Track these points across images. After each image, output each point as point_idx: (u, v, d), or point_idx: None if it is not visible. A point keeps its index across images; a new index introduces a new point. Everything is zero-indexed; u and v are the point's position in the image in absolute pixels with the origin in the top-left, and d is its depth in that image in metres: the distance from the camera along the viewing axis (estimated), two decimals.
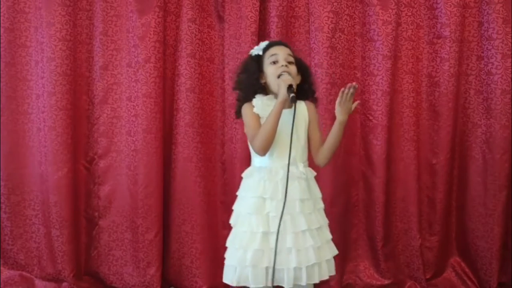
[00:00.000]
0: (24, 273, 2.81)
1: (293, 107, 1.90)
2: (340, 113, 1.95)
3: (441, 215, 2.81)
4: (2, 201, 2.79)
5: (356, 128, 2.79)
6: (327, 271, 1.96)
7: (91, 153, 2.81)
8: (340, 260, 2.76)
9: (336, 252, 2.04)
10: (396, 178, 2.77)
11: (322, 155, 2.03)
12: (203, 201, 2.74)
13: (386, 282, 2.80)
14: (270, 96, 2.00)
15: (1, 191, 2.79)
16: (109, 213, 2.80)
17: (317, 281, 1.93)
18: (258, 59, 2.04)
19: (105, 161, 2.80)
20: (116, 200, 2.79)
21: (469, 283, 2.83)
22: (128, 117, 2.74)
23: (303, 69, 2.07)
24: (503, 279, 2.78)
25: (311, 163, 2.10)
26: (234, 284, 1.95)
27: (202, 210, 2.74)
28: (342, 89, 1.93)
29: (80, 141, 2.78)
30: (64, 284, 2.74)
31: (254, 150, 1.96)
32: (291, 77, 1.92)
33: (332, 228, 2.70)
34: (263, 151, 1.93)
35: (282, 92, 1.88)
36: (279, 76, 1.95)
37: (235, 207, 2.03)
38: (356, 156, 2.80)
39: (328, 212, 2.68)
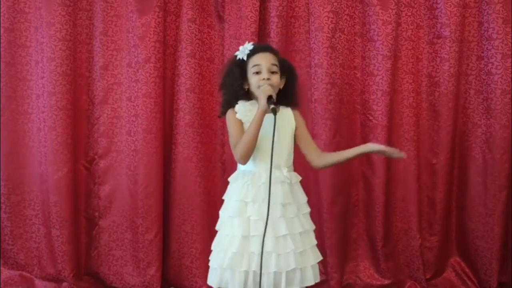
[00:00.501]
0: (24, 273, 2.82)
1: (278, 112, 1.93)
2: (369, 150, 2.00)
3: (441, 215, 2.81)
4: (2, 201, 2.79)
5: (356, 128, 2.79)
6: (312, 276, 1.94)
7: (91, 153, 2.81)
8: (340, 260, 2.77)
9: (320, 258, 2.02)
10: (396, 178, 2.77)
11: (324, 162, 2.03)
12: (203, 201, 2.75)
13: (386, 282, 2.80)
14: (253, 102, 1.98)
15: (1, 191, 2.79)
16: (109, 213, 2.80)
17: (298, 286, 1.91)
18: (243, 63, 2.01)
19: (105, 161, 2.80)
20: (116, 200, 2.79)
21: (469, 283, 2.83)
22: (128, 117, 2.74)
23: (287, 72, 2.05)
24: (503, 279, 2.78)
25: (300, 165, 2.09)
26: (214, 287, 1.96)
27: (202, 210, 2.74)
28: (395, 150, 1.97)
29: (80, 141, 2.78)
30: (64, 284, 2.75)
31: (236, 159, 1.97)
32: (271, 88, 1.91)
33: (332, 228, 2.73)
34: (243, 160, 1.93)
35: (262, 103, 1.88)
36: (259, 87, 1.94)
37: (220, 211, 2.03)
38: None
39: (328, 212, 2.71)
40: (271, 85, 1.92)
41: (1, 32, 2.73)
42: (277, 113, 1.94)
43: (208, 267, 2.71)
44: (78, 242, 2.80)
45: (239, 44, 2.66)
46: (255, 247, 1.86)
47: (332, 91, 2.68)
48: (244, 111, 1.98)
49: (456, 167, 2.84)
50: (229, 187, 2.03)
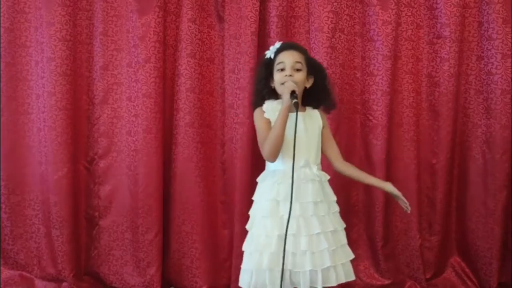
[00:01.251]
0: (24, 273, 2.81)
1: (305, 111, 1.98)
2: (387, 189, 2.09)
3: (441, 215, 2.81)
4: (2, 201, 2.79)
5: (356, 128, 2.79)
6: (343, 275, 1.96)
7: (91, 153, 2.81)
8: None
9: (352, 256, 2.04)
10: (396, 178, 2.76)
11: (344, 168, 2.10)
12: (203, 201, 2.74)
13: (386, 282, 2.80)
14: (280, 101, 2.00)
15: (1, 191, 2.79)
16: (109, 213, 2.80)
17: (334, 284, 1.92)
18: (270, 62, 2.05)
19: (105, 161, 2.80)
20: (116, 200, 2.79)
21: (469, 283, 2.83)
22: (128, 117, 2.74)
23: (315, 71, 2.07)
24: (503, 279, 2.78)
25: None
26: None
27: (202, 210, 2.74)
28: (406, 203, 2.08)
29: (80, 141, 2.78)
30: (64, 284, 2.74)
31: (264, 157, 1.98)
32: (294, 84, 1.94)
33: None
34: (272, 157, 1.95)
35: (285, 98, 1.91)
36: (283, 84, 1.97)
37: (250, 211, 2.04)
38: (356, 156, 2.80)
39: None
40: (294, 82, 1.94)
41: (1, 32, 2.73)
42: (305, 112, 1.95)
43: (208, 266, 2.75)
44: (78, 242, 2.80)
45: (239, 44, 2.68)
46: (289, 246, 1.87)
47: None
48: (271, 110, 2.00)
49: (456, 167, 2.84)
50: (258, 187, 2.04)
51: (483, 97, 2.77)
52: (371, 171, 2.76)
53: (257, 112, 2.04)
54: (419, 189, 2.78)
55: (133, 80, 2.72)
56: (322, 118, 2.10)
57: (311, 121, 2.04)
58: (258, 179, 2.05)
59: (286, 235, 1.84)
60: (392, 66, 2.71)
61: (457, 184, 2.85)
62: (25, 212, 2.81)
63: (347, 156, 2.76)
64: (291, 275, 1.88)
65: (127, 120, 2.75)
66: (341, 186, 2.75)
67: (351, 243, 2.81)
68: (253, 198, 2.04)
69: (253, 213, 2.02)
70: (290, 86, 1.92)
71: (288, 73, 1.97)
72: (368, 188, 2.78)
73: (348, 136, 2.77)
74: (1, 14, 2.72)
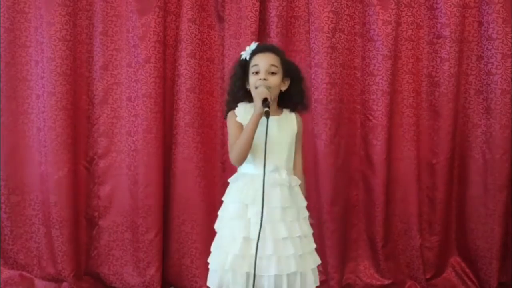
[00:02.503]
0: (24, 273, 2.81)
1: (281, 114, 1.97)
2: None
3: (441, 215, 2.81)
4: (2, 201, 2.79)
5: (356, 128, 2.79)
6: (312, 280, 1.93)
7: (91, 153, 2.81)
8: (340, 260, 2.77)
9: (319, 262, 2.00)
10: (396, 178, 2.77)
11: (296, 174, 2.03)
12: (203, 201, 2.74)
13: (386, 282, 2.80)
14: (253, 104, 1.94)
15: (1, 191, 2.79)
16: (109, 213, 2.80)
17: None
18: (246, 64, 2.00)
19: (105, 161, 2.80)
20: (116, 200, 2.79)
21: (469, 283, 2.83)
22: (128, 117, 2.74)
23: (291, 74, 2.02)
24: (503, 279, 2.78)
25: None
26: None
27: (202, 210, 2.74)
28: None
29: (80, 141, 2.78)
30: (64, 284, 2.74)
31: (231, 161, 1.96)
32: (268, 90, 1.88)
33: (332, 228, 2.73)
34: (238, 162, 1.94)
35: (257, 105, 1.86)
36: (257, 88, 1.92)
37: (219, 212, 2.02)
38: (356, 156, 2.80)
39: (328, 212, 2.71)
40: (268, 86, 1.89)
41: (1, 32, 2.73)
42: (280, 115, 1.95)
43: (208, 267, 2.74)
44: (78, 242, 2.79)
45: (239, 44, 2.68)
46: (255, 250, 1.84)
47: (332, 91, 2.67)
48: (244, 113, 1.96)
49: (456, 167, 2.84)
50: (228, 188, 2.02)
51: (483, 97, 2.77)
52: (371, 171, 2.77)
53: (229, 116, 2.01)
54: (419, 189, 2.78)
55: (133, 80, 2.72)
56: (298, 123, 2.05)
57: (286, 125, 1.99)
58: (230, 180, 2.02)
59: (258, 239, 1.81)
60: (392, 66, 2.71)
61: (457, 184, 2.85)
62: (25, 212, 2.81)
63: (347, 156, 2.77)
64: (256, 279, 1.85)
65: (127, 120, 2.75)
66: (341, 186, 2.75)
67: (351, 243, 2.83)
68: (222, 199, 2.02)
69: (222, 213, 2.00)
70: (262, 93, 1.86)
71: (263, 77, 1.92)
72: (368, 188, 2.79)
73: (348, 136, 2.77)
74: (1, 14, 2.72)
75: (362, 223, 2.83)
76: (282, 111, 2.03)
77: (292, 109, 2.05)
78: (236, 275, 1.86)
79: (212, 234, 2.76)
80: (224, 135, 2.79)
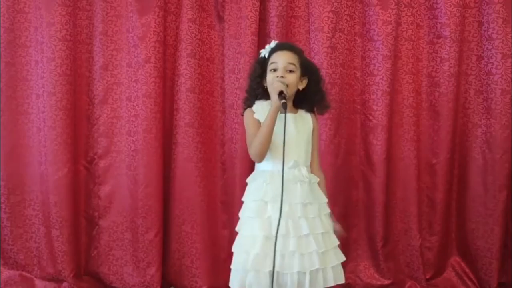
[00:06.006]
0: (24, 273, 2.81)
1: (297, 113, 1.97)
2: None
3: (441, 215, 2.81)
4: (2, 201, 2.79)
5: (356, 128, 2.79)
6: (332, 277, 1.93)
7: (91, 153, 2.81)
8: None
9: (343, 258, 2.01)
10: (396, 178, 2.77)
11: (314, 173, 2.04)
12: (203, 201, 2.74)
13: (386, 282, 2.80)
14: (270, 101, 1.97)
15: (1, 191, 2.79)
16: (109, 213, 2.80)
17: (321, 287, 1.90)
18: (264, 61, 2.03)
19: (105, 161, 2.79)
20: (116, 200, 2.79)
21: (469, 283, 2.83)
22: (128, 117, 2.74)
23: (310, 73, 2.04)
24: (503, 279, 2.78)
25: None
26: None
27: (202, 210, 2.74)
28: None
29: (80, 141, 2.78)
30: (64, 284, 2.74)
31: (251, 157, 1.97)
32: (284, 84, 1.90)
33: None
34: (258, 158, 1.94)
35: (273, 99, 1.89)
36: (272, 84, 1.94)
37: (240, 213, 2.01)
38: (356, 156, 2.80)
39: None
40: (285, 83, 1.91)
41: (1, 32, 2.73)
42: (297, 114, 1.95)
43: (208, 266, 2.75)
44: (78, 242, 2.79)
45: (239, 44, 2.68)
46: (279, 247, 1.84)
47: (332, 91, 2.67)
48: (261, 110, 1.98)
49: (456, 167, 2.84)
50: (247, 188, 2.02)
51: (483, 97, 2.77)
52: (371, 171, 2.77)
53: (247, 113, 2.02)
54: (419, 189, 2.78)
55: (133, 80, 2.72)
56: (314, 122, 2.07)
57: (303, 123, 2.02)
58: (248, 180, 2.03)
59: (276, 237, 1.81)
60: (392, 66, 2.71)
61: (457, 184, 2.85)
62: (25, 212, 2.81)
63: (347, 156, 2.77)
64: (278, 277, 1.85)
65: (127, 120, 2.75)
66: (341, 186, 2.75)
67: (351, 243, 2.83)
68: (242, 199, 2.02)
69: (242, 214, 2.00)
70: (277, 86, 1.89)
71: (280, 74, 1.94)
72: (368, 188, 2.79)
73: (348, 136, 2.77)
74: (1, 14, 2.72)
75: (362, 223, 2.82)
76: (297, 111, 2.04)
77: (308, 110, 2.06)
78: (259, 275, 1.85)
79: (212, 234, 2.78)
80: (224, 135, 2.79)
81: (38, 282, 2.79)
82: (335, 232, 2.02)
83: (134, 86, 2.72)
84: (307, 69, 2.04)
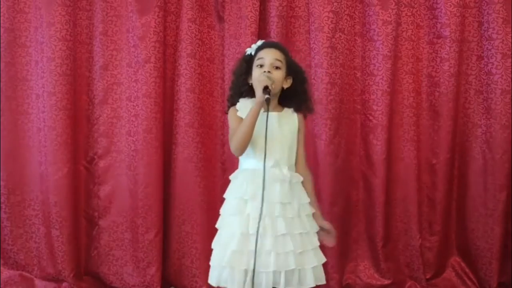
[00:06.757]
0: (24, 273, 2.81)
1: (281, 111, 1.96)
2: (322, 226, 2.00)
3: (441, 215, 2.81)
4: (2, 201, 2.79)
5: (356, 128, 2.79)
6: (312, 278, 1.90)
7: (91, 153, 2.81)
8: (340, 260, 2.77)
9: (323, 260, 1.98)
10: (396, 178, 2.77)
11: (299, 172, 2.01)
12: (203, 201, 2.74)
13: (386, 282, 2.80)
14: (254, 99, 1.95)
15: (1, 191, 2.79)
16: (109, 213, 2.80)
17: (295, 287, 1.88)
18: (250, 59, 2.02)
19: (105, 161, 2.80)
20: (116, 200, 2.79)
21: (469, 283, 2.83)
22: (128, 117, 2.74)
23: (294, 73, 2.03)
24: (503, 279, 2.78)
25: None
26: (214, 285, 1.94)
27: (202, 210, 2.74)
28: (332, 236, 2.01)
29: (80, 141, 2.78)
30: (64, 284, 2.75)
31: (231, 150, 1.95)
32: (270, 80, 1.89)
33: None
34: (238, 151, 1.92)
35: (258, 93, 1.88)
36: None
37: (221, 210, 2.01)
38: (356, 156, 2.80)
39: (328, 212, 2.70)
40: (271, 78, 1.90)
41: (1, 32, 2.73)
42: (281, 112, 1.95)
43: (208, 266, 2.72)
44: (78, 242, 2.80)
45: (239, 44, 2.68)
46: (253, 246, 1.83)
47: (332, 91, 2.67)
48: (244, 108, 1.96)
49: (456, 167, 2.84)
50: (229, 185, 2.01)
51: (483, 97, 2.77)
52: (371, 171, 2.77)
53: (230, 111, 2.02)
54: (419, 189, 2.78)
55: (133, 80, 2.72)
56: (299, 121, 2.04)
57: (286, 122, 2.00)
58: (231, 177, 2.02)
59: (257, 236, 1.81)
60: (392, 66, 2.71)
61: (457, 184, 2.85)
62: (25, 212, 2.81)
63: (347, 156, 2.77)
64: (254, 275, 1.83)
65: (127, 120, 2.75)
66: (341, 186, 2.75)
67: (351, 243, 2.83)
68: (224, 196, 2.01)
69: (222, 211, 2.00)
70: (263, 80, 1.88)
71: (267, 70, 1.93)
72: (368, 188, 2.79)
73: (348, 136, 2.77)
74: (1, 14, 2.72)
75: (362, 223, 2.82)
76: (283, 109, 2.04)
77: (296, 110, 2.05)
78: (234, 272, 1.85)
79: (212, 234, 2.77)
80: (224, 135, 2.78)
81: (38, 282, 2.79)
82: (327, 231, 2.00)
83: (134, 86, 2.72)
84: (293, 68, 2.03)
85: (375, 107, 2.73)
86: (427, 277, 2.81)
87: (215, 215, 2.80)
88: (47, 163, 2.71)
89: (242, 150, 1.91)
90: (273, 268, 1.84)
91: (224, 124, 2.79)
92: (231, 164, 2.75)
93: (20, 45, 2.77)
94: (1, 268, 2.80)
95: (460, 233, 2.87)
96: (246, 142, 1.89)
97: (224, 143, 2.79)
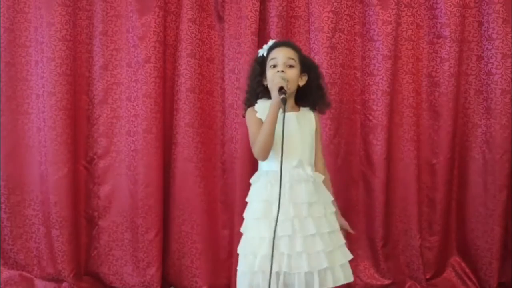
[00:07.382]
0: (24, 273, 2.82)
1: (299, 111, 1.96)
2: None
3: (441, 215, 2.81)
4: (2, 201, 2.79)
5: (356, 128, 2.79)
6: (342, 276, 1.93)
7: (91, 153, 2.81)
8: None
9: (350, 256, 2.00)
10: (396, 178, 2.77)
11: (319, 171, 2.03)
12: (203, 201, 2.74)
13: (386, 282, 2.80)
14: (271, 100, 1.94)
15: (1, 191, 2.79)
16: (109, 213, 2.80)
17: (331, 286, 1.89)
18: (263, 60, 2.02)
19: (105, 161, 2.80)
20: (116, 200, 2.79)
21: (469, 283, 2.83)
22: (128, 117, 2.74)
23: (309, 70, 2.02)
24: (503, 279, 2.78)
25: None
26: None
27: (202, 210, 2.74)
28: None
29: (80, 141, 2.78)
30: (64, 284, 2.75)
31: (255, 156, 1.95)
32: (284, 80, 1.88)
33: None
34: (262, 156, 1.92)
35: (274, 94, 1.87)
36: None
37: (244, 214, 2.00)
38: (356, 156, 2.80)
39: None
40: (285, 78, 1.89)
41: (1, 32, 2.73)
42: (299, 112, 1.95)
43: (208, 266, 2.75)
44: (78, 242, 2.80)
45: (239, 44, 2.69)
46: (284, 248, 1.84)
47: (332, 91, 2.67)
48: (263, 109, 1.95)
49: (456, 167, 2.83)
50: (251, 189, 2.01)
51: (483, 97, 2.77)
52: (371, 171, 2.77)
53: (249, 112, 2.01)
54: (419, 189, 2.78)
55: (132, 80, 2.72)
56: (316, 120, 2.06)
57: (305, 121, 2.00)
58: (251, 180, 2.01)
59: (274, 237, 1.80)
60: (392, 66, 2.71)
61: (457, 184, 2.85)
62: (25, 212, 2.81)
63: (347, 156, 2.77)
64: (285, 277, 1.84)
65: (126, 120, 2.75)
66: (341, 186, 2.75)
67: (351, 243, 2.82)
68: (246, 200, 2.01)
69: (247, 215, 1.98)
70: (278, 82, 1.86)
71: (280, 69, 1.92)
72: (368, 188, 2.79)
73: (348, 136, 2.77)
74: (1, 14, 2.73)
75: (362, 223, 2.82)
76: (299, 109, 2.03)
77: (312, 107, 2.05)
78: (266, 276, 1.83)
79: (212, 234, 2.78)
80: (224, 135, 2.79)
81: (38, 282, 2.79)
82: (342, 229, 2.02)
83: (134, 86, 2.72)
84: (307, 65, 2.02)
85: (375, 107, 2.73)
86: (427, 277, 2.81)
87: (215, 215, 2.83)
88: (47, 163, 2.71)
89: (267, 154, 1.90)
90: (306, 269, 1.84)
91: (224, 124, 2.79)
92: (231, 164, 2.76)
93: (20, 45, 2.77)
94: (1, 268, 2.80)
95: (460, 233, 2.87)
96: (269, 145, 1.88)
97: (224, 143, 2.79)
